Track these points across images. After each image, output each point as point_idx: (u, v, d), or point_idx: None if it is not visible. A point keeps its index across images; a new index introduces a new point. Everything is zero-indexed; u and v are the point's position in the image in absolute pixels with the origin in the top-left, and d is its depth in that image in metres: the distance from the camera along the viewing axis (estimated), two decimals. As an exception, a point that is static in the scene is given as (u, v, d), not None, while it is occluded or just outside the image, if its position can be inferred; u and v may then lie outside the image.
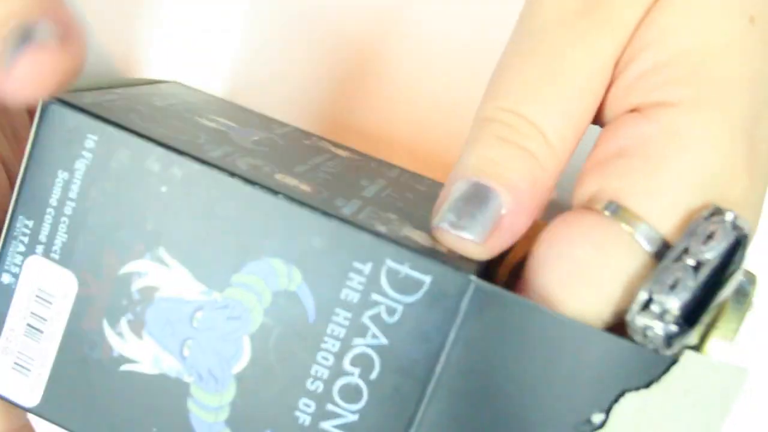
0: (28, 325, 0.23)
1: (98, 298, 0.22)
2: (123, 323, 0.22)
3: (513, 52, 0.23)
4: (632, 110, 0.22)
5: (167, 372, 0.22)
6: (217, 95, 0.32)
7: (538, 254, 0.22)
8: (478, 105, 0.23)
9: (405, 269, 0.21)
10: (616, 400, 0.21)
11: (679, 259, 0.20)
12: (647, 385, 0.21)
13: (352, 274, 0.21)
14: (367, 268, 0.21)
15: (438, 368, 0.21)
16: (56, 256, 0.22)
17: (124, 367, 0.22)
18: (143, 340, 0.22)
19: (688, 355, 0.20)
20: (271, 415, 0.22)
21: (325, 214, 0.21)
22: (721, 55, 0.22)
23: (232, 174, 0.21)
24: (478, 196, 0.21)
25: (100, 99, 0.23)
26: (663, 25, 0.22)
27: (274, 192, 0.21)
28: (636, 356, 0.21)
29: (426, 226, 0.23)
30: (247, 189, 0.21)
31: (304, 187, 0.22)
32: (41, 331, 0.23)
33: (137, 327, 0.22)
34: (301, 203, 0.21)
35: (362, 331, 0.21)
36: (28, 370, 0.23)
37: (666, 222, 0.21)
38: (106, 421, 0.23)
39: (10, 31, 0.20)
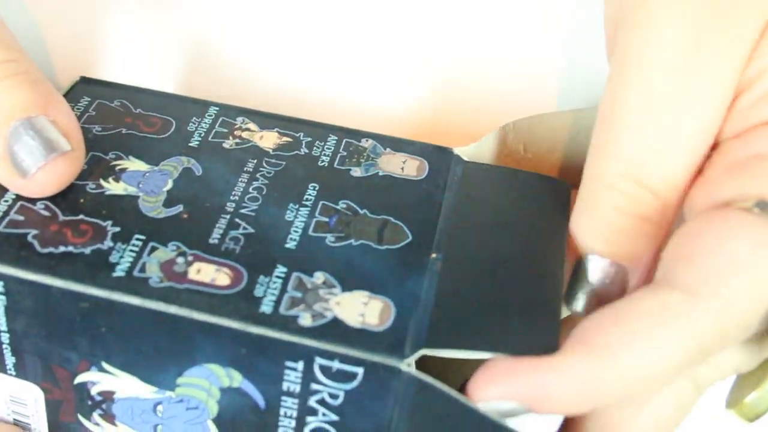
0: (15, 420, 0.24)
1: (65, 401, 0.23)
2: (96, 416, 0.23)
3: (626, 108, 0.22)
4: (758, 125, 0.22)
5: None
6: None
7: (683, 249, 0.21)
8: (591, 161, 0.23)
9: (336, 364, 0.21)
10: None
11: None
12: None
13: (287, 371, 0.21)
14: (300, 365, 0.21)
15: None
16: (12, 373, 0.23)
17: None
18: (118, 427, 0.23)
19: None
20: None
21: (245, 321, 0.21)
22: None
23: (142, 298, 0.21)
24: (613, 276, 0.23)
25: None
26: None
27: (190, 308, 0.21)
28: None
29: (362, 274, 0.22)
30: (161, 313, 0.21)
31: (222, 278, 0.21)
32: (29, 425, 0.24)
33: (109, 419, 0.23)
34: (219, 315, 0.21)
35: (313, 412, 0.21)
36: None
37: None
38: None
39: (33, 136, 0.22)
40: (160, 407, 0.23)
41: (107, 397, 0.23)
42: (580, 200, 0.23)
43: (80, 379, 0.23)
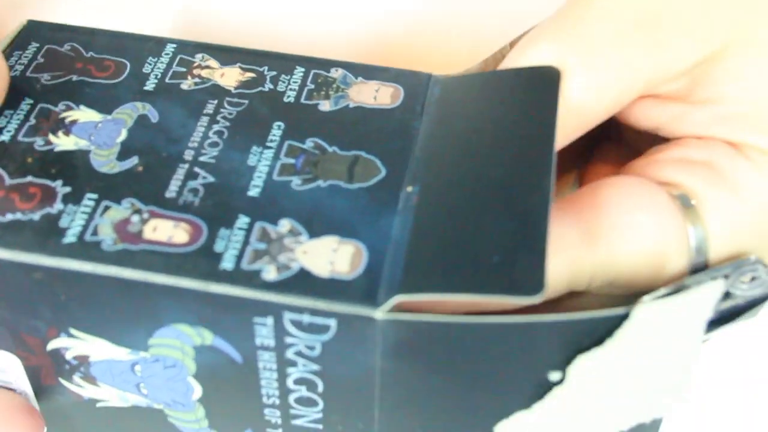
0: (1, 385, 0.24)
1: (44, 366, 0.22)
2: (77, 379, 0.23)
3: None
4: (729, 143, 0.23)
5: (137, 404, 0.23)
6: None
7: (608, 190, 0.22)
8: None
9: (306, 318, 0.19)
10: (569, 362, 0.20)
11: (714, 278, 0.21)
12: (601, 343, 0.19)
13: (257, 327, 0.20)
14: (269, 321, 0.20)
15: (376, 379, 0.20)
16: None
17: (100, 404, 0.23)
18: (101, 387, 0.23)
19: (641, 306, 0.19)
20: (246, 419, 0.22)
21: (205, 280, 0.19)
22: None
23: (95, 263, 0.20)
24: None
25: None
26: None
27: (146, 270, 0.19)
28: (578, 325, 0.19)
29: (331, 218, 0.20)
30: (117, 278, 0.19)
31: (180, 234, 0.20)
32: (15, 389, 0.24)
33: (91, 380, 0.23)
34: (177, 275, 0.19)
35: (292, 363, 0.20)
36: None
37: (720, 243, 0.22)
38: None
39: None
40: (137, 367, 0.22)
41: (82, 360, 0.22)
42: None
43: (52, 345, 0.22)
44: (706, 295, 0.19)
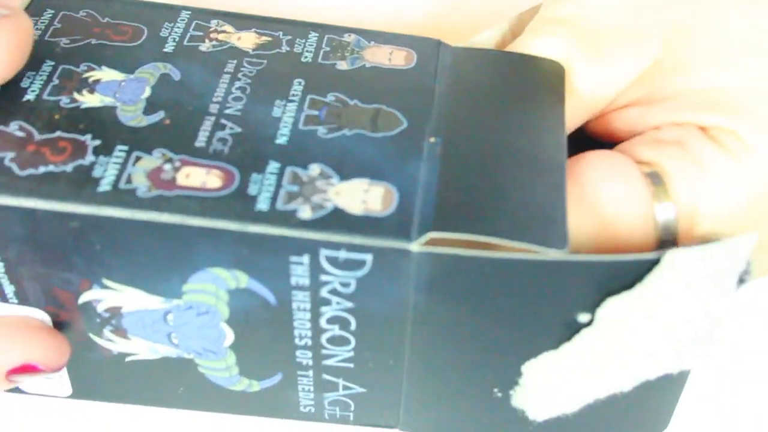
0: None
1: (73, 321, 0.23)
2: (107, 333, 0.23)
3: None
4: (700, 127, 0.24)
5: (168, 355, 0.23)
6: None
7: (584, 161, 0.23)
8: None
9: (343, 254, 0.20)
10: (599, 304, 0.21)
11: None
12: (630, 287, 0.20)
13: (293, 266, 0.20)
14: (305, 259, 0.20)
15: (409, 314, 0.21)
16: (15, 301, 0.22)
17: (130, 359, 0.24)
18: (132, 340, 0.23)
19: (673, 252, 0.20)
20: (277, 363, 0.23)
21: (241, 221, 0.20)
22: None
23: (131, 209, 0.20)
24: None
25: None
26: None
27: (182, 214, 0.20)
28: (609, 267, 0.20)
29: (359, 163, 0.21)
30: (153, 223, 0.20)
31: (213, 180, 0.21)
32: None
33: (121, 333, 0.23)
34: (214, 217, 0.20)
35: (326, 302, 0.21)
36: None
37: (689, 221, 0.23)
38: (135, 393, 0.25)
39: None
40: (170, 316, 0.22)
41: (114, 312, 0.22)
42: None
43: (84, 298, 0.22)
44: (740, 246, 0.20)
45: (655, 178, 0.23)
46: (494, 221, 0.20)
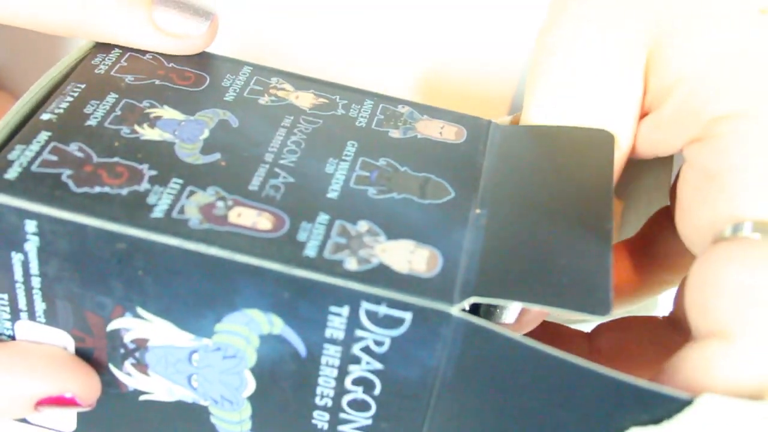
0: None
1: (96, 349, 0.23)
2: (128, 366, 0.23)
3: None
4: (691, 141, 0.23)
5: (183, 399, 0.23)
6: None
7: (698, 299, 0.21)
8: None
9: (383, 309, 0.20)
10: (623, 429, 0.20)
11: None
12: (657, 422, 0.20)
13: (331, 317, 0.20)
14: (345, 311, 0.20)
15: (436, 385, 0.21)
16: (42, 320, 0.22)
17: (143, 398, 0.23)
18: (151, 377, 0.23)
19: (708, 398, 0.19)
20: (290, 423, 0.23)
21: (288, 264, 0.20)
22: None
23: (181, 239, 0.20)
24: None
25: (26, 161, 0.21)
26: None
27: (231, 249, 0.20)
28: (637, 393, 0.19)
29: (406, 224, 0.21)
30: (201, 255, 0.20)
31: (264, 222, 0.21)
32: None
33: (142, 368, 0.23)
34: (261, 257, 0.20)
35: (356, 360, 0.21)
36: None
37: None
38: None
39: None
40: (195, 356, 0.22)
41: (141, 344, 0.22)
42: None
43: (113, 325, 0.22)
44: None
45: (736, 228, 0.21)
46: (537, 287, 0.20)
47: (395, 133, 0.25)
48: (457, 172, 0.23)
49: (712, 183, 0.22)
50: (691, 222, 0.23)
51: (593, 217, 0.22)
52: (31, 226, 0.21)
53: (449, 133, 0.25)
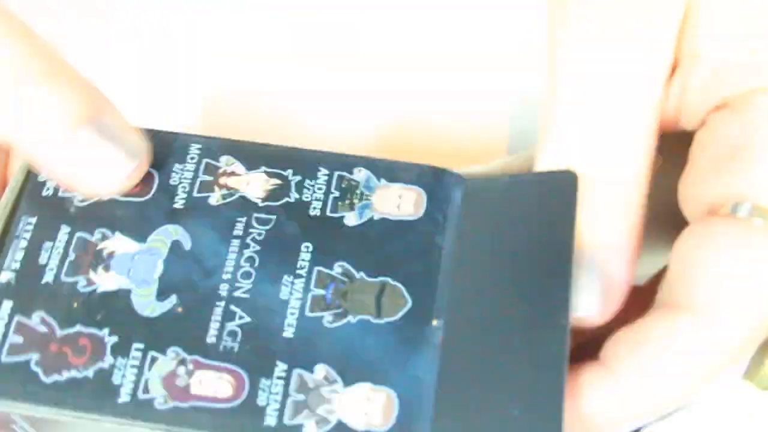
0: None
1: None
2: None
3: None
4: (717, 107, 0.22)
5: None
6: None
7: (681, 268, 0.22)
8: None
9: None
10: None
11: None
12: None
13: None
14: None
15: None
16: None
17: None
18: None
19: None
20: None
21: None
22: None
23: (150, 422, 0.21)
24: None
25: None
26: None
27: (197, 429, 0.21)
28: None
29: (363, 362, 0.22)
30: None
31: (224, 387, 0.22)
32: None
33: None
34: None
35: None
36: None
37: None
38: None
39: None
40: None
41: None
42: None
43: None
44: None
45: (739, 208, 0.22)
46: (490, 418, 0.21)
47: (351, 219, 0.24)
48: (415, 266, 0.23)
49: (731, 154, 0.22)
50: (695, 187, 0.23)
51: (551, 321, 0.22)
52: (9, 411, 0.22)
53: (407, 204, 0.24)
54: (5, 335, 0.23)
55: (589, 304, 0.22)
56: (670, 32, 0.22)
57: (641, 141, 0.23)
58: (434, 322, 0.22)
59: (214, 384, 0.22)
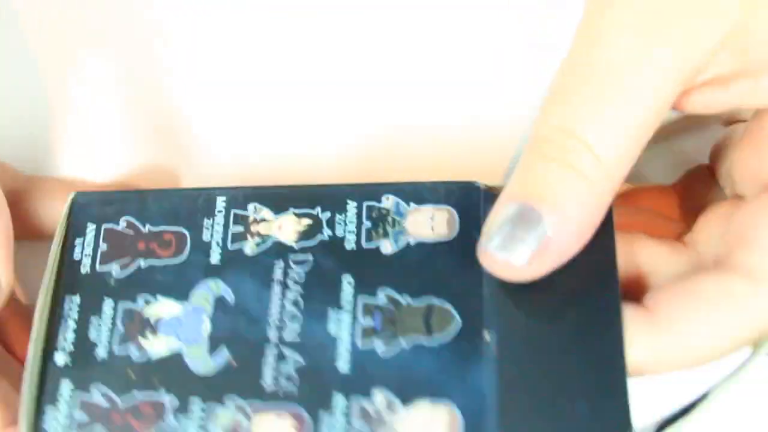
0: None
1: None
2: None
3: (570, 72, 0.22)
4: None
5: None
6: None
7: (743, 232, 0.23)
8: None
9: None
10: None
11: None
12: None
13: None
14: None
15: None
16: None
17: None
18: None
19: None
20: None
21: None
22: None
23: None
24: (524, 219, 0.22)
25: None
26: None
27: None
28: None
29: (420, 380, 0.22)
30: None
31: (287, 430, 0.22)
32: None
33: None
34: None
35: None
36: None
37: None
38: None
39: None
40: None
41: None
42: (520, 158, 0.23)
43: None
44: None
45: None
46: (556, 422, 0.21)
47: (387, 247, 0.24)
48: (458, 283, 0.23)
49: None
50: (758, 161, 0.24)
51: (602, 318, 0.22)
52: None
53: (441, 225, 0.24)
54: (70, 416, 0.23)
55: (521, 253, 0.22)
56: (708, 42, 0.22)
57: (639, 140, 0.22)
58: (486, 335, 0.23)
59: (275, 427, 0.22)
